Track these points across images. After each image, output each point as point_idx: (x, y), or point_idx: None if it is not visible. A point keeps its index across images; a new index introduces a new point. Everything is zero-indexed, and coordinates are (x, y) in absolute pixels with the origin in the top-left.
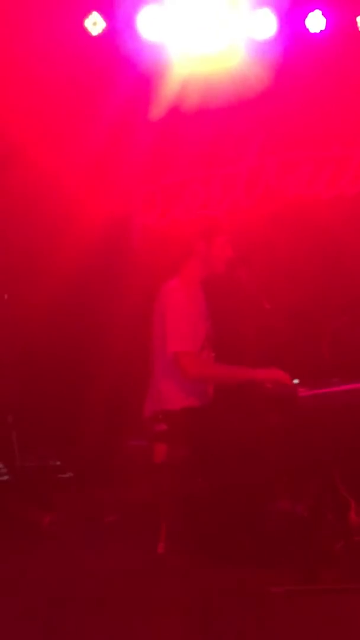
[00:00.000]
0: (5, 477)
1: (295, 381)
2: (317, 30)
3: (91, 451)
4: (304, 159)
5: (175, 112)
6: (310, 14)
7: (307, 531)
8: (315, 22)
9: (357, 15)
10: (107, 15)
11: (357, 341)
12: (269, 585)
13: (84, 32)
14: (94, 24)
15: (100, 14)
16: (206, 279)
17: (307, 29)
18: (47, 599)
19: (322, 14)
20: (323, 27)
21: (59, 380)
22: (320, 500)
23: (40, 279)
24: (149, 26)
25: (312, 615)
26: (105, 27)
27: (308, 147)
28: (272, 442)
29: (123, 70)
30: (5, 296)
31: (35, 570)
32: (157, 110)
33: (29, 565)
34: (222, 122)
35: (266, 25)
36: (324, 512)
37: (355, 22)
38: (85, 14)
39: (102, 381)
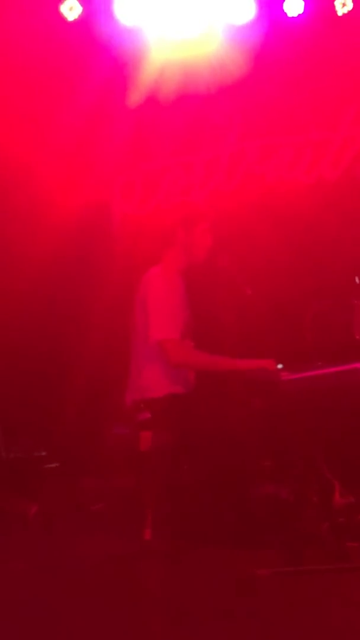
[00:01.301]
0: None
1: (279, 366)
2: (295, 14)
3: (76, 441)
4: (283, 144)
5: (154, 98)
6: None
7: (292, 514)
8: (294, 5)
9: None
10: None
11: (338, 325)
12: (255, 568)
13: (60, 17)
14: (70, 9)
15: None
16: (187, 268)
17: (285, 13)
18: (34, 588)
19: None
20: (301, 11)
21: (41, 371)
22: (305, 482)
23: (17, 269)
24: (126, 11)
25: (298, 597)
26: (82, 12)
27: (288, 132)
28: (256, 426)
29: (100, 55)
30: None
31: (22, 560)
32: (135, 96)
33: (16, 555)
34: (201, 107)
35: (244, 9)
36: (309, 494)
37: (333, 6)
38: None
39: (84, 370)
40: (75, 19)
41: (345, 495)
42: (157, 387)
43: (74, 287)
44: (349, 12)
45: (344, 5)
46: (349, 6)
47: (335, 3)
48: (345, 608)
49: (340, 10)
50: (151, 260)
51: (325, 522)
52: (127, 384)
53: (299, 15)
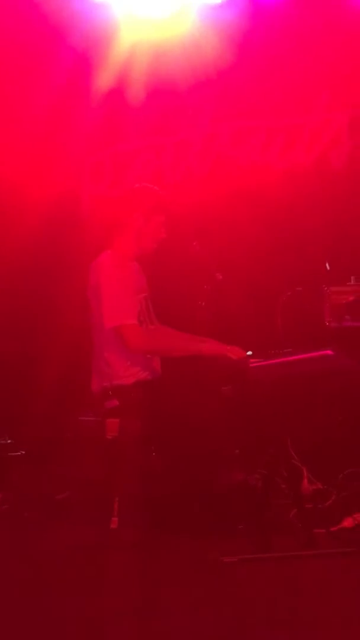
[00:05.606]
0: None
1: (249, 353)
2: None
3: (43, 428)
4: (256, 127)
5: (125, 78)
6: None
7: (260, 501)
8: None
9: None
10: None
11: (309, 311)
12: (223, 555)
13: None
14: None
15: None
16: (138, 255)
17: None
18: None
19: None
20: None
21: (8, 358)
22: (273, 469)
23: None
24: None
25: (265, 584)
26: None
27: (261, 115)
28: (225, 414)
29: (69, 32)
30: None
31: None
32: (106, 75)
33: None
34: (173, 89)
35: None
36: (277, 481)
37: None
38: None
39: (51, 357)
40: None
41: (313, 482)
42: (125, 374)
43: (42, 274)
44: None
45: None
46: None
47: None
48: (312, 594)
49: None
50: (106, 243)
51: (293, 508)
52: (92, 371)
53: None
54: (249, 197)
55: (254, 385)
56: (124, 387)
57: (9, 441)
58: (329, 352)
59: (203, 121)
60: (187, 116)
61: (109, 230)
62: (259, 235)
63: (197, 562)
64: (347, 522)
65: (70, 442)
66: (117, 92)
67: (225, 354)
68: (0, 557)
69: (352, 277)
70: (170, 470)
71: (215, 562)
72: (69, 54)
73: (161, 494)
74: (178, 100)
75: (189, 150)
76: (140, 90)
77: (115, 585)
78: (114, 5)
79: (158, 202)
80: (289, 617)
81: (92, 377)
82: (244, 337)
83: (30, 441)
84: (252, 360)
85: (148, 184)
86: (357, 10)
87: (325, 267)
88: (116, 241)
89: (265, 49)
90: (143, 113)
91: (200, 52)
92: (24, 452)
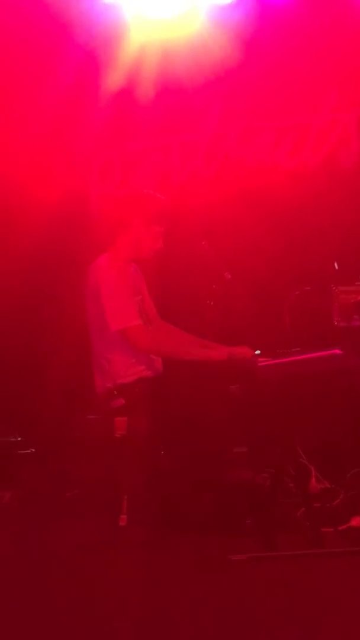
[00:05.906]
0: None
1: (257, 352)
2: None
3: (52, 427)
4: (265, 128)
5: (134, 78)
6: None
7: (268, 499)
8: None
9: None
10: None
11: (317, 310)
12: (231, 553)
13: None
14: None
15: None
16: (135, 259)
17: None
18: (8, 575)
19: None
20: None
21: (17, 356)
22: (281, 468)
23: None
24: None
25: (273, 582)
26: None
27: (269, 115)
28: (233, 412)
29: (79, 32)
30: None
31: None
32: (115, 75)
33: None
34: (182, 89)
35: None
36: (285, 480)
37: None
38: None
39: (61, 356)
40: None
41: (321, 481)
42: (126, 373)
43: (51, 273)
44: None
45: None
46: None
47: None
48: (320, 593)
49: None
50: (105, 245)
51: (301, 507)
52: (94, 372)
53: None
54: (257, 197)
55: (262, 384)
56: (128, 385)
57: (19, 439)
58: (338, 351)
59: (211, 121)
60: (195, 116)
61: (112, 230)
62: (267, 235)
63: (204, 559)
64: (355, 521)
65: (79, 441)
66: (126, 92)
67: (235, 355)
68: (10, 555)
69: None
70: (178, 469)
71: (223, 560)
72: (79, 54)
73: (169, 492)
74: (186, 100)
75: (197, 150)
76: (149, 90)
77: (124, 583)
78: (124, 6)
79: (161, 212)
80: (297, 616)
81: (95, 378)
82: (252, 336)
83: (40, 439)
84: (260, 359)
85: (155, 192)
86: None
87: (334, 266)
88: (115, 243)
89: (273, 49)
90: (151, 113)
91: (208, 52)
92: (33, 450)
